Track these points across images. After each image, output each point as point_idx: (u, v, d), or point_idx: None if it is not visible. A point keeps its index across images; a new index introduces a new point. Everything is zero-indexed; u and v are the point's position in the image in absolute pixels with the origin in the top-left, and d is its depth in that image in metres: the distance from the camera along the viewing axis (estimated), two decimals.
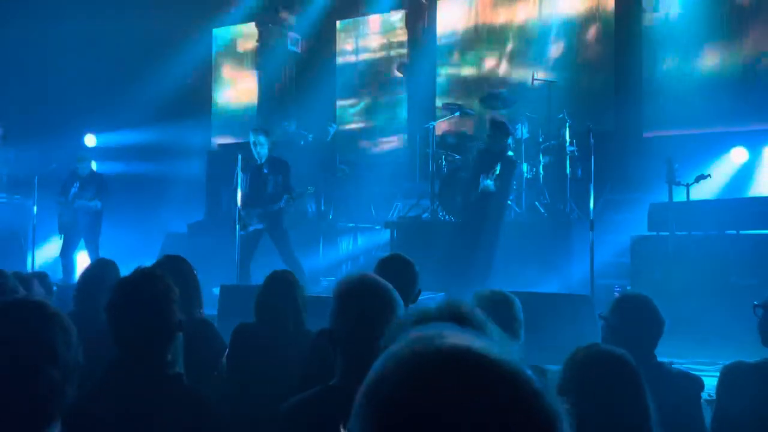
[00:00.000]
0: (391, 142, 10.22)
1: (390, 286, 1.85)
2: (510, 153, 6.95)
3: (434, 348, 0.66)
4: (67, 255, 8.30)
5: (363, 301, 1.79)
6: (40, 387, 1.36)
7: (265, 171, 6.72)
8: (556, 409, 0.65)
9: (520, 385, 0.64)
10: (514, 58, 9.61)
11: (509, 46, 9.68)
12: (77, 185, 8.37)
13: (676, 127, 8.07)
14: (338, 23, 10.87)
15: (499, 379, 0.64)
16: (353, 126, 10.76)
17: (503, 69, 9.68)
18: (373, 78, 10.79)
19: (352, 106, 10.94)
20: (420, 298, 3.04)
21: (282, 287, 3.29)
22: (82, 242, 8.44)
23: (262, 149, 6.69)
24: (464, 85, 9.93)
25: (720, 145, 7.55)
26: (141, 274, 2.04)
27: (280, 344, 3.13)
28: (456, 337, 0.68)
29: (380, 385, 0.66)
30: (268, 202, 6.63)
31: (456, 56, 10.11)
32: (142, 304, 1.95)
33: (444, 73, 10.19)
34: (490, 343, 0.69)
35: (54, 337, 1.39)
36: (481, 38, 9.92)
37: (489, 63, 9.83)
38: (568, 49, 9.21)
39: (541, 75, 8.33)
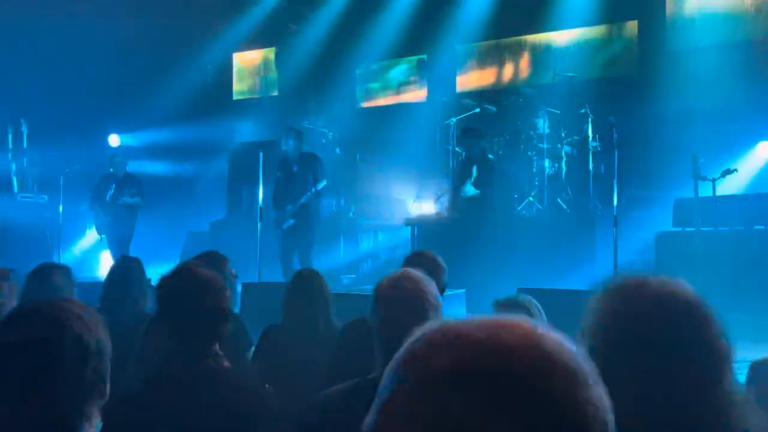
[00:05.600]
0: (410, 138, 10.18)
1: (431, 281, 1.87)
2: (489, 156, 7.08)
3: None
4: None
5: (407, 297, 1.80)
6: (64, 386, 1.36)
7: (295, 169, 6.95)
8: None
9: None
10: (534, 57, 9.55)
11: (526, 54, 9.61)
12: (114, 187, 8.40)
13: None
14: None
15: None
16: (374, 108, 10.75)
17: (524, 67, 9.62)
18: (391, 73, 10.77)
19: (371, 102, 10.94)
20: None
21: (309, 287, 3.22)
22: (104, 239, 8.51)
23: (292, 148, 6.98)
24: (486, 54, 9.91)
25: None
26: (187, 266, 2.08)
27: (312, 345, 3.04)
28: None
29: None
30: (297, 199, 6.89)
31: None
32: (193, 291, 1.96)
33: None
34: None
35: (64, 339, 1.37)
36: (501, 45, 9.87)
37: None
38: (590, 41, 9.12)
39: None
